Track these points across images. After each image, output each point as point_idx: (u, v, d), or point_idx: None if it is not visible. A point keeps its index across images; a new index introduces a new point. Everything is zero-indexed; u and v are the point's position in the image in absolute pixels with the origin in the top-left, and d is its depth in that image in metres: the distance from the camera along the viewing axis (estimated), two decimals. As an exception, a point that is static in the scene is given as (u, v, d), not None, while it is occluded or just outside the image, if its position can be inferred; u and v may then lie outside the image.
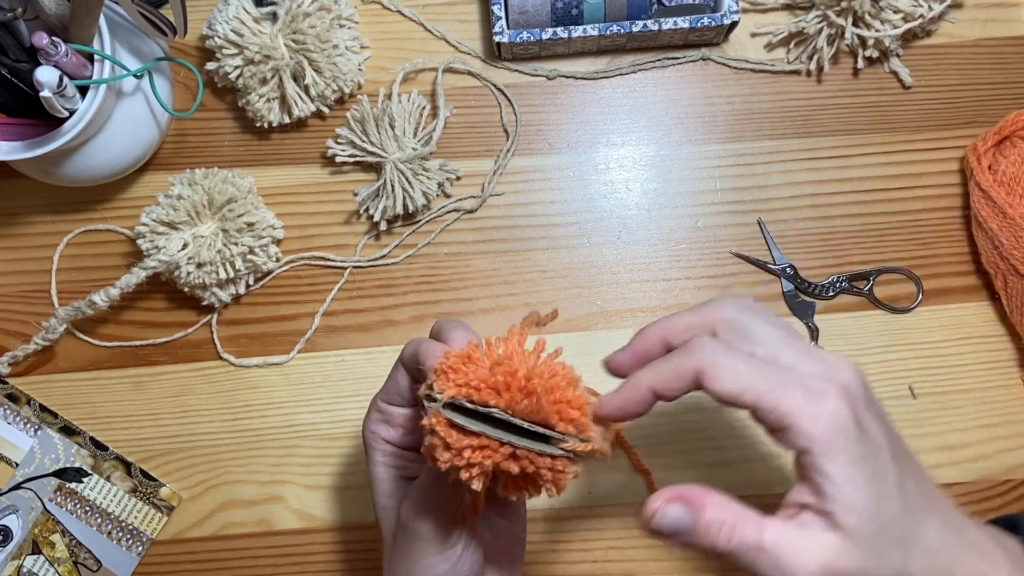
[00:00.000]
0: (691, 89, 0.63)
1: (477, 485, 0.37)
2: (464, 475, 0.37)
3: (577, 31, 0.59)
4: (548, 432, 0.37)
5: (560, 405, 0.37)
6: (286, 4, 0.57)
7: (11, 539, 0.60)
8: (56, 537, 0.61)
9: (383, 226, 0.62)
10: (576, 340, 0.62)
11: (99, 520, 0.61)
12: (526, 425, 0.36)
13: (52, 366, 0.63)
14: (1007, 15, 0.63)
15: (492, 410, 0.36)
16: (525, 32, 0.59)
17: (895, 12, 0.59)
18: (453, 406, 0.37)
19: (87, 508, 0.61)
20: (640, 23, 0.59)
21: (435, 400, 0.37)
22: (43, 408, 0.62)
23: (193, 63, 0.59)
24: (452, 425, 0.36)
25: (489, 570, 0.44)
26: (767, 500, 0.61)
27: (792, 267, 0.61)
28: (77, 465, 0.61)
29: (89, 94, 0.52)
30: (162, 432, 0.62)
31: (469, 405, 0.37)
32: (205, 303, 0.61)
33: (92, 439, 0.62)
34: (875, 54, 0.61)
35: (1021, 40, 0.63)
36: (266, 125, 0.60)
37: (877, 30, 0.59)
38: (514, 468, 0.37)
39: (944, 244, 0.62)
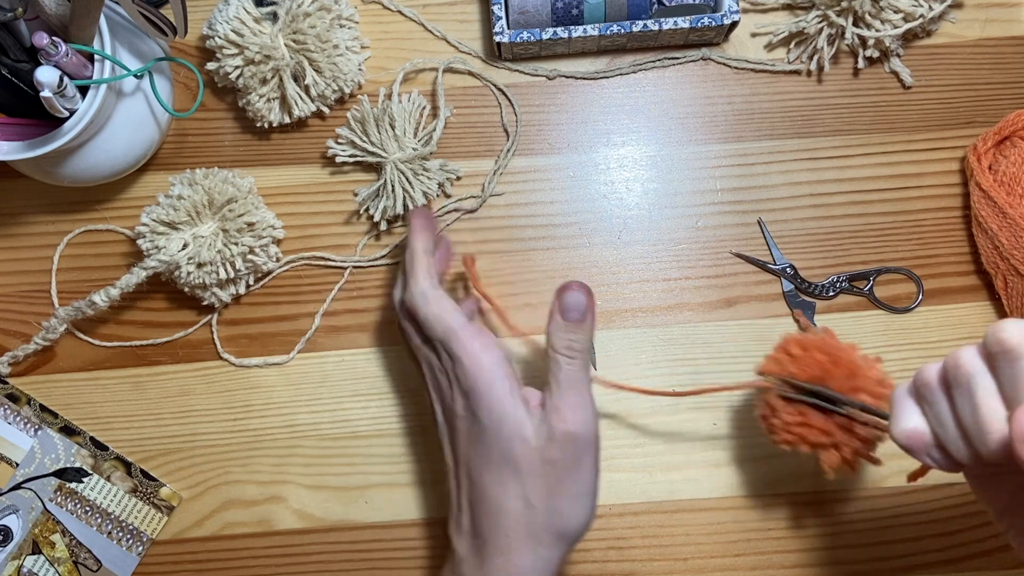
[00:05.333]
0: (691, 89, 0.63)
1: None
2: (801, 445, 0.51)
3: (577, 31, 0.59)
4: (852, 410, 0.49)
5: (870, 383, 0.48)
6: (286, 4, 0.57)
7: (11, 539, 0.60)
8: (56, 537, 0.61)
9: (383, 226, 0.62)
10: (576, 340, 0.62)
11: (99, 520, 0.61)
12: (845, 399, 0.49)
13: (52, 366, 0.63)
14: (1007, 15, 0.63)
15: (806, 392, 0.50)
16: (525, 32, 0.59)
17: (895, 12, 0.59)
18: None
19: (87, 508, 0.61)
20: (640, 23, 0.59)
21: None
22: (43, 408, 0.62)
23: (193, 63, 0.59)
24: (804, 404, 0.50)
25: None
26: (767, 500, 0.61)
27: (792, 267, 0.61)
28: (77, 465, 0.61)
29: (89, 94, 0.52)
30: (162, 432, 0.62)
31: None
32: (205, 303, 0.61)
33: (92, 439, 0.62)
34: (875, 54, 0.61)
35: (1021, 40, 0.63)
36: (266, 125, 0.60)
37: (877, 30, 0.59)
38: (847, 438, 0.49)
39: (944, 244, 0.62)
